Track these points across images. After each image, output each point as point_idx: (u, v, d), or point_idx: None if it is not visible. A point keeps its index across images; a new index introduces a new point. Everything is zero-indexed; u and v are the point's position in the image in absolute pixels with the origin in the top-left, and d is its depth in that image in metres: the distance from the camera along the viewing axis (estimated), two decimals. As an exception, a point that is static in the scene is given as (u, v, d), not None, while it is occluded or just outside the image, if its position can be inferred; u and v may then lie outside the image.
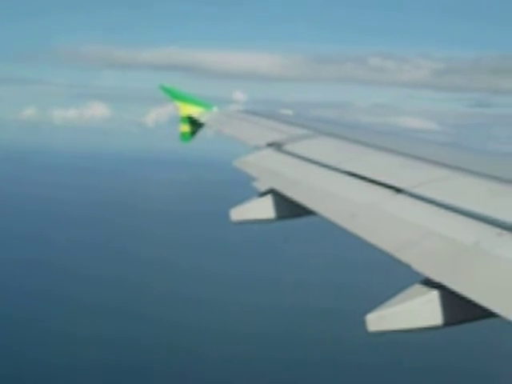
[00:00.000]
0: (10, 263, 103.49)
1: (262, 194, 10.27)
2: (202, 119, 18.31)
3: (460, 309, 5.85)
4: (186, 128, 19.07)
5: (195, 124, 18.87)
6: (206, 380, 64.20)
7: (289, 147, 11.68)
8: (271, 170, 11.05)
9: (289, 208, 9.76)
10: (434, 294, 5.89)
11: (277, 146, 12.00)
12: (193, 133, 19.17)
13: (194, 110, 18.84)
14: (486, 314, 5.44)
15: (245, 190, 11.90)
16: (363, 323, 5.96)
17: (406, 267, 6.13)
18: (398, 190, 7.99)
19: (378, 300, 6.32)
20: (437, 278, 5.81)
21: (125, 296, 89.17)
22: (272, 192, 10.06)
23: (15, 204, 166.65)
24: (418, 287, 6.03)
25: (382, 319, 5.96)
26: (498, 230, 6.17)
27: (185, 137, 19.22)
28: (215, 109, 18.83)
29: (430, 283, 5.93)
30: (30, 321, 76.80)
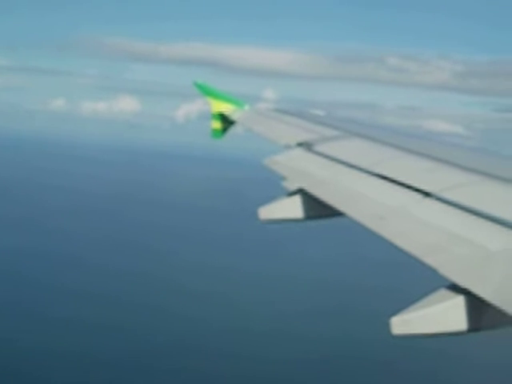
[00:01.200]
0: (26, 252, 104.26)
1: (291, 194, 10.29)
2: (234, 117, 18.32)
3: (485, 315, 5.84)
4: (217, 125, 19.07)
5: (227, 121, 18.89)
6: (211, 377, 64.20)
7: (319, 147, 11.69)
8: (301, 169, 11.06)
9: (317, 208, 9.77)
10: (460, 300, 5.88)
11: (307, 145, 12.01)
12: (224, 130, 19.17)
13: (225, 107, 18.84)
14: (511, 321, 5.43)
15: (273, 189, 11.94)
16: (387, 325, 5.97)
17: (433, 271, 6.14)
18: (427, 194, 7.99)
19: (402, 303, 6.33)
20: (463, 284, 5.80)
21: (134, 288, 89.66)
22: (301, 192, 10.08)
23: (37, 194, 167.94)
24: (444, 292, 6.02)
25: (407, 323, 5.96)
26: None
27: (216, 134, 19.24)
28: (247, 107, 18.85)
29: (456, 288, 5.92)
30: (35, 311, 76.79)
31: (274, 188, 12.04)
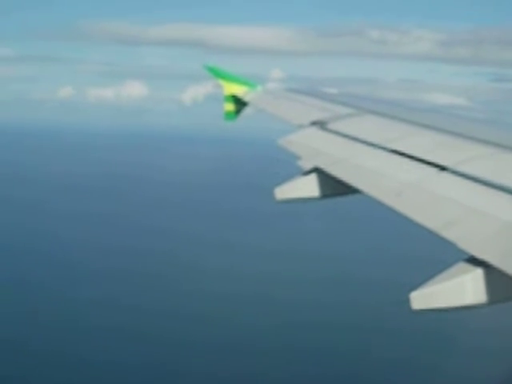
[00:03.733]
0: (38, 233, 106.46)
1: (307, 173, 10.32)
2: (246, 98, 18.31)
3: (505, 287, 5.86)
4: (230, 107, 19.05)
5: (239, 103, 18.87)
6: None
7: (333, 126, 11.70)
8: (315, 148, 11.08)
9: (333, 186, 9.80)
10: (479, 272, 5.90)
11: (321, 124, 12.03)
12: (237, 112, 19.16)
13: (238, 89, 18.82)
14: None
15: (287, 168, 11.99)
16: (407, 300, 5.99)
17: (451, 245, 6.16)
18: (443, 168, 8.00)
19: (421, 278, 6.35)
20: (481, 256, 5.83)
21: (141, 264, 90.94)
22: (316, 170, 10.11)
23: (48, 180, 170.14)
24: (463, 265, 6.03)
25: (427, 297, 5.98)
26: None
27: (229, 116, 19.22)
28: (259, 88, 18.84)
29: (474, 261, 5.95)
30: (40, 287, 78.42)
31: (287, 168, 12.07)
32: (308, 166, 10.53)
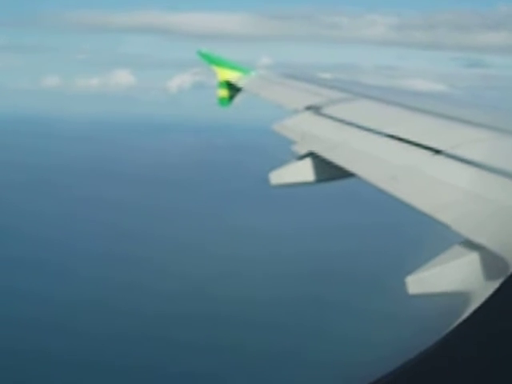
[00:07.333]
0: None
1: (301, 157, 10.33)
2: (240, 84, 18.36)
3: (501, 271, 5.86)
4: (224, 93, 19.15)
5: (233, 88, 18.93)
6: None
7: (327, 110, 11.69)
8: (310, 133, 11.09)
9: (328, 171, 9.81)
10: (475, 256, 5.90)
11: (315, 109, 12.02)
12: (231, 97, 19.24)
13: (231, 75, 18.88)
14: None
15: (283, 153, 11.96)
16: (404, 285, 5.98)
17: (446, 229, 6.15)
18: (437, 151, 8.00)
19: (417, 262, 6.34)
20: (477, 239, 5.83)
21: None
22: (311, 155, 10.11)
23: (31, 175, 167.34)
24: (458, 248, 6.03)
25: (422, 281, 5.98)
26: None
27: (223, 102, 19.32)
28: (253, 73, 18.85)
29: (469, 245, 5.94)
30: None
31: (281, 153, 12.03)
32: (303, 150, 10.54)
